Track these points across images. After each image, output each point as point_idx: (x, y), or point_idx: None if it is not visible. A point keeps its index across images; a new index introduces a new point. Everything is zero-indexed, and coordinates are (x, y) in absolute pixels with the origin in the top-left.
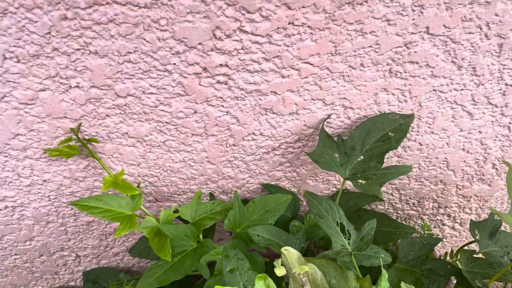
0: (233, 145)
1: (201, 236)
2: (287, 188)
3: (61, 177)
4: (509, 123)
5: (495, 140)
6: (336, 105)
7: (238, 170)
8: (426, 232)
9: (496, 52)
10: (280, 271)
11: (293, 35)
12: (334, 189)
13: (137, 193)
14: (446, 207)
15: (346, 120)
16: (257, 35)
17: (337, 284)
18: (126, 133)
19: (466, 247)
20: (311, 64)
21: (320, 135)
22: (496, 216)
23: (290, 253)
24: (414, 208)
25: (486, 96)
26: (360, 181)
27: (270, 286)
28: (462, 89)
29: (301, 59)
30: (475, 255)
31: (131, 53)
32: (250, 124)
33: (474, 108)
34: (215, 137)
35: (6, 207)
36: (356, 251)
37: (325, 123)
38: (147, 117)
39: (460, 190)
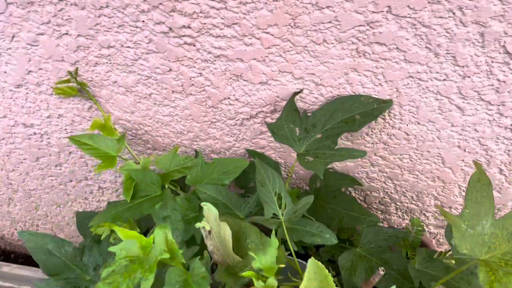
0: (212, 107)
1: (166, 186)
2: (272, 158)
3: (72, 114)
4: (511, 125)
5: (497, 142)
6: (306, 80)
7: (222, 132)
8: (416, 229)
9: (478, 42)
10: (199, 224)
11: (247, 3)
12: None
13: (118, 138)
14: (451, 207)
15: (320, 97)
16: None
17: (254, 246)
18: (116, 81)
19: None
20: (272, 35)
21: (286, 107)
22: None
23: (209, 209)
24: (414, 202)
25: (476, 90)
26: (307, 157)
27: (168, 237)
28: (444, 80)
29: (260, 28)
30: (435, 257)
31: (104, 7)
32: (224, 89)
33: (463, 102)
34: (194, 97)
35: (35, 133)
36: (287, 223)
37: (297, 97)
38: (130, 69)
39: (464, 192)
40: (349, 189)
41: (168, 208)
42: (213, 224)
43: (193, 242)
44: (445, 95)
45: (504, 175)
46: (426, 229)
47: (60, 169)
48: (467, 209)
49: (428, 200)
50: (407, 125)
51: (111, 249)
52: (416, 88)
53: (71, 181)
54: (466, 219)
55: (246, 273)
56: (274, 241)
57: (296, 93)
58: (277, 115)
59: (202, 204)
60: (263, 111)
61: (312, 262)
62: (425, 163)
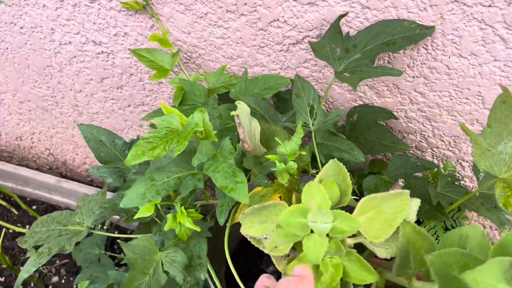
0: (262, 29)
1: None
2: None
3: (136, 32)
4: None
5: None
6: (353, 2)
7: (269, 59)
8: (448, 173)
9: None
10: (233, 112)
11: None
12: (360, 102)
13: (174, 52)
14: None
15: (365, 22)
16: None
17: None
18: None
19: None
20: None
21: (330, 28)
22: None
23: (242, 106)
24: (450, 148)
25: None
26: (344, 74)
27: (205, 119)
28: (489, 6)
29: None
30: (457, 183)
31: None
32: (275, 9)
33: (508, 33)
34: (246, 17)
35: (102, 52)
36: (318, 136)
37: (342, 20)
38: None
39: None
40: None
41: (209, 105)
42: (245, 119)
43: None
44: (489, 23)
45: None
46: (462, 183)
47: (121, 92)
48: (489, 128)
49: (465, 147)
50: (449, 57)
51: (155, 119)
52: (460, 15)
53: (129, 105)
54: (487, 137)
55: (270, 156)
56: (300, 131)
57: (341, 16)
58: None
59: (236, 102)
60: (309, 36)
61: (332, 160)
62: (464, 103)
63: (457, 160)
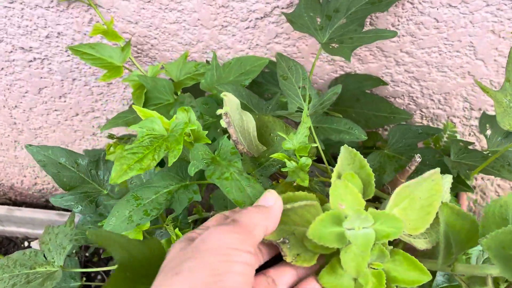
0: (223, 6)
1: (179, 93)
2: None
3: (72, 30)
4: None
5: None
6: None
7: (235, 38)
8: (448, 134)
9: None
10: (220, 111)
11: None
12: (341, 72)
13: (124, 45)
14: (480, 109)
15: None
16: None
17: (280, 139)
18: None
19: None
20: None
21: None
22: None
23: (230, 100)
24: (441, 106)
25: None
26: (332, 45)
27: (192, 118)
28: None
29: None
30: (471, 147)
31: None
32: None
33: None
34: None
35: (35, 58)
36: (313, 120)
37: None
38: None
39: (496, 88)
40: None
41: (185, 104)
42: (234, 114)
43: None
44: None
45: None
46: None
47: (65, 101)
48: (509, 83)
49: (456, 103)
50: (437, 9)
51: (132, 127)
52: None
53: (77, 114)
54: (508, 93)
55: (275, 155)
56: (306, 119)
57: None
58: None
59: (222, 94)
60: (278, 6)
61: (344, 148)
62: (455, 56)
63: (448, 117)
